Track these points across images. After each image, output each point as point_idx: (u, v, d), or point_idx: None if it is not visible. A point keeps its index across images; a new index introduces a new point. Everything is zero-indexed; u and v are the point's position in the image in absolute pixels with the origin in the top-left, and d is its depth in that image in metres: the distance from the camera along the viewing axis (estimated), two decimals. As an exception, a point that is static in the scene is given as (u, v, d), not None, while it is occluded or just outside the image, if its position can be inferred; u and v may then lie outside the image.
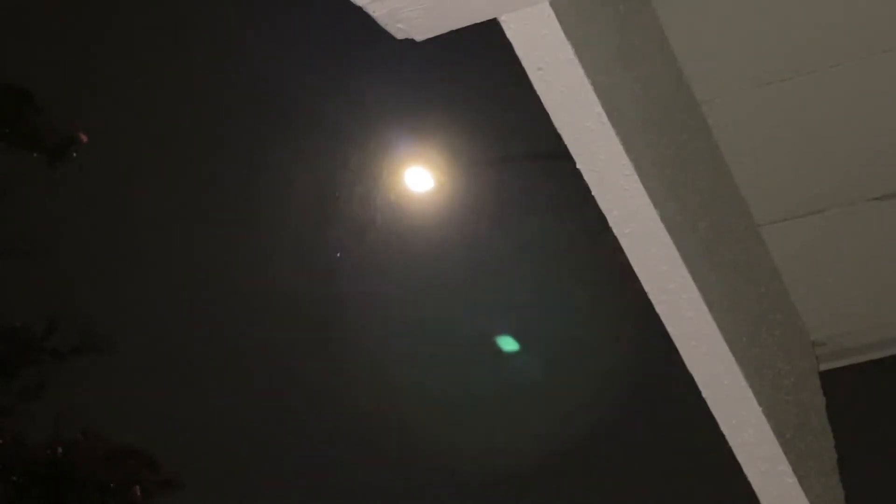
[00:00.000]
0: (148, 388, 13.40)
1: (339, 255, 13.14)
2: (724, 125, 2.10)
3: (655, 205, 1.65)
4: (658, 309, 1.77)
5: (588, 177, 1.65)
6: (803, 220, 2.21)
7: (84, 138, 11.48)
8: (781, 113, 2.09)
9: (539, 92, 1.58)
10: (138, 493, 11.73)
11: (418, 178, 10.99)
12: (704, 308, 1.75)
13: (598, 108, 1.57)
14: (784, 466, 1.89)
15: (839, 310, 2.35)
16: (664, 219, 1.67)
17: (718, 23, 2.01)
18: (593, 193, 1.68)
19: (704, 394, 1.85)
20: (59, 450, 11.57)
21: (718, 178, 2.09)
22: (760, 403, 1.84)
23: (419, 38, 1.52)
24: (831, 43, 2.01)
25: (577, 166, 1.65)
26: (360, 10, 1.50)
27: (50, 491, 11.49)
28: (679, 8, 1.98)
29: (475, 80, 12.22)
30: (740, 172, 2.16)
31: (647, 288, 1.75)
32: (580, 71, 1.54)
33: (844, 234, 2.23)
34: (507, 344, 14.00)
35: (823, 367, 2.36)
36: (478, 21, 1.50)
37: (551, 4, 1.47)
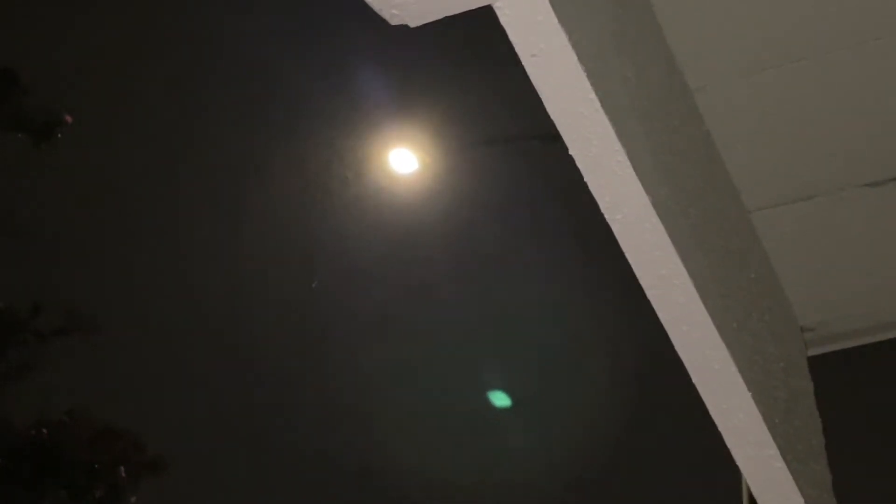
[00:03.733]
0: (133, 370, 13.39)
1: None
2: (716, 112, 2.10)
3: (647, 191, 1.66)
4: (649, 294, 1.77)
5: (580, 162, 1.66)
6: (793, 207, 2.22)
7: (69, 119, 11.44)
8: (773, 100, 2.10)
9: (533, 78, 1.58)
10: (124, 475, 11.73)
11: (403, 159, 10.98)
12: (695, 294, 1.76)
13: (592, 95, 1.58)
14: (773, 451, 1.90)
15: (828, 295, 2.36)
16: (656, 205, 1.67)
17: (711, 10, 2.01)
18: (585, 179, 1.68)
19: (694, 379, 1.86)
20: (45, 431, 11.55)
21: (710, 165, 2.10)
22: (750, 388, 1.85)
23: (414, 24, 1.52)
24: (823, 30, 2.02)
25: (570, 152, 1.65)
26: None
27: (35, 472, 11.47)
28: (672, -6, 1.99)
29: (460, 63, 12.22)
30: (731, 159, 2.17)
31: (638, 274, 1.76)
32: (574, 57, 1.54)
33: (834, 221, 2.24)
34: (500, 399, 14.05)
35: (812, 352, 2.37)
36: (473, 7, 1.50)
37: (546, -10, 1.48)
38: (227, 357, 13.95)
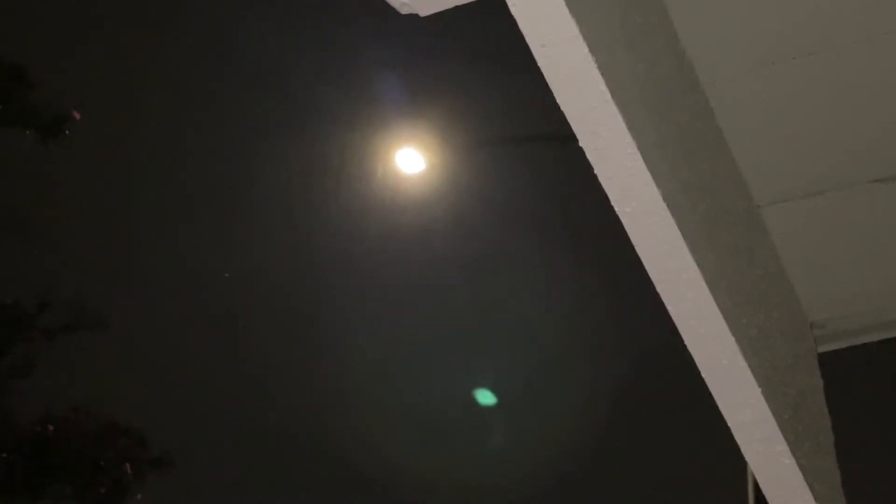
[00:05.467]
0: (139, 367, 13.40)
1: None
2: (726, 106, 2.09)
3: (657, 184, 1.65)
4: (658, 288, 1.76)
5: (590, 155, 1.64)
6: (803, 202, 2.21)
7: (77, 116, 11.44)
8: (783, 95, 2.09)
9: (543, 69, 1.57)
10: (129, 471, 11.72)
11: (410, 159, 10.97)
12: (705, 288, 1.75)
13: (602, 87, 1.56)
14: (782, 447, 1.89)
15: (837, 292, 2.34)
16: (666, 198, 1.66)
17: (722, 4, 2.00)
18: (595, 172, 1.67)
19: (703, 374, 1.85)
20: (50, 427, 11.55)
21: (719, 159, 2.09)
22: (759, 384, 1.84)
23: (423, 13, 1.51)
24: (834, 25, 2.01)
25: (580, 144, 1.64)
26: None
27: (40, 469, 11.47)
28: (682, -12, 1.98)
29: (467, 63, 12.21)
30: (741, 153, 2.16)
31: (647, 267, 1.75)
32: (584, 49, 1.53)
33: (844, 217, 2.23)
34: (485, 398, 14.05)
35: (821, 349, 2.35)
36: (483, -3, 1.49)
37: (556, -19, 1.47)
38: (233, 355, 13.95)
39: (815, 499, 1.94)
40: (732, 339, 1.79)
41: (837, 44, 2.02)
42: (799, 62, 2.05)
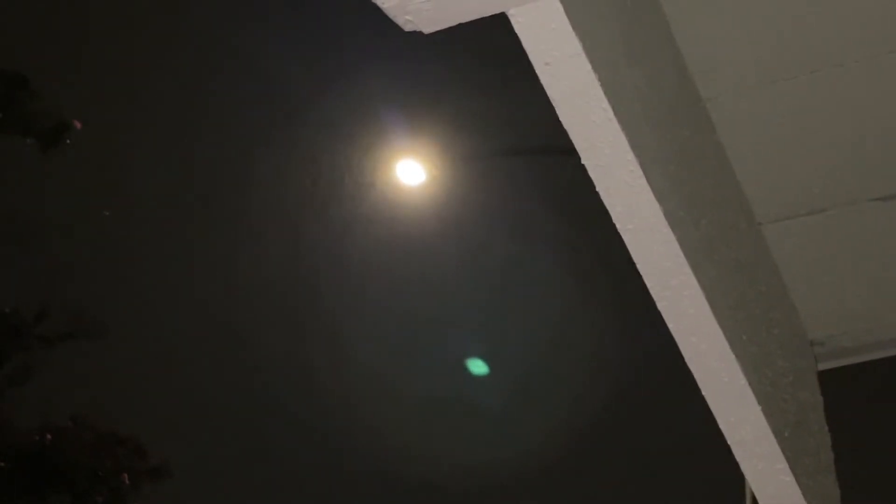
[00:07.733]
0: (137, 376, 13.40)
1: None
2: (728, 122, 2.10)
3: (659, 201, 1.65)
4: (659, 305, 1.77)
5: (592, 172, 1.65)
6: (804, 219, 2.21)
7: (78, 125, 11.45)
8: (785, 111, 2.09)
9: (546, 86, 1.58)
10: (126, 481, 11.71)
11: (410, 171, 10.99)
12: (705, 305, 1.75)
13: (605, 104, 1.57)
14: (781, 465, 1.89)
15: (838, 309, 2.35)
16: (668, 215, 1.67)
17: (724, 20, 2.01)
18: (597, 188, 1.67)
19: (703, 391, 1.85)
20: (48, 436, 11.54)
21: (721, 176, 2.09)
22: (759, 402, 1.84)
23: (427, 30, 1.51)
24: (836, 42, 2.01)
25: (582, 161, 1.65)
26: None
27: (37, 478, 11.45)
28: (685, 4, 1.98)
29: (468, 74, 12.23)
30: (742, 170, 2.16)
31: (648, 284, 1.75)
32: (587, 66, 1.53)
33: (845, 234, 2.23)
34: (477, 367, 14.03)
35: (822, 366, 2.36)
36: (487, 14, 1.49)
37: (560, -1, 1.47)
38: (233, 364, 13.95)
39: (815, 517, 1.95)
40: (733, 357, 1.79)
41: (840, 62, 2.03)
42: (801, 79, 2.05)
